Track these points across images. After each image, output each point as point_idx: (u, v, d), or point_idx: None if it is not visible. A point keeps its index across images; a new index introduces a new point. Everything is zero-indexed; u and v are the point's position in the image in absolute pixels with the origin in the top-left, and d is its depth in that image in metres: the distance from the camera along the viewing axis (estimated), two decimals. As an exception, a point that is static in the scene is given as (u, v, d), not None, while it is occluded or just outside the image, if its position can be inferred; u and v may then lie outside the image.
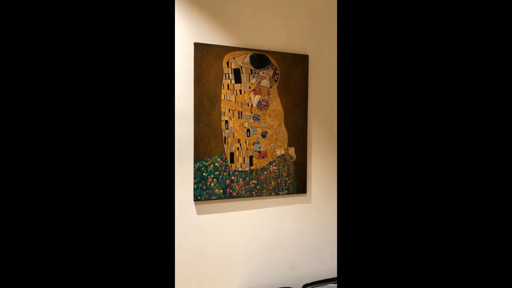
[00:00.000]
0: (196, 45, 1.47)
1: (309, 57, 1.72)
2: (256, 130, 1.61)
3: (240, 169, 1.58)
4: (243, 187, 1.59)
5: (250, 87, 1.58)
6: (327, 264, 1.85)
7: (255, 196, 1.62)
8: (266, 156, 1.64)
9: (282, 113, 1.66)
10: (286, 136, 1.68)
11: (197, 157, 1.49)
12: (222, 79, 1.53)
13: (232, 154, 1.56)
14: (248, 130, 1.59)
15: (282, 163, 1.68)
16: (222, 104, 1.53)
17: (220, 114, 1.53)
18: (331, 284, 1.70)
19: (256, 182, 1.62)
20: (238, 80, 1.56)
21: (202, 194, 1.51)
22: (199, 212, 1.53)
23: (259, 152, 1.62)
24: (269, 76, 1.62)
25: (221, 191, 1.54)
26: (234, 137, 1.56)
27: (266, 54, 1.61)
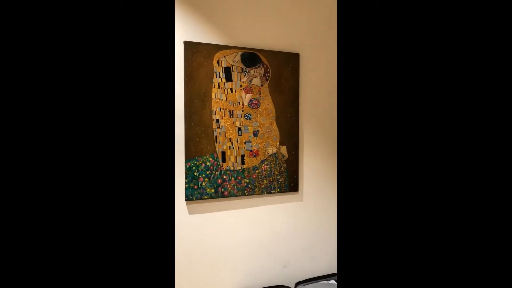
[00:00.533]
0: (186, 43, 1.46)
1: (300, 55, 1.72)
2: (248, 129, 1.60)
3: (231, 168, 1.57)
4: (235, 186, 1.58)
5: (241, 86, 1.58)
6: (319, 261, 1.85)
7: (247, 195, 1.62)
8: (258, 154, 1.63)
9: (274, 111, 1.66)
10: (277, 134, 1.67)
11: (188, 157, 1.48)
12: (213, 77, 1.52)
13: (223, 153, 1.56)
14: (239, 129, 1.59)
15: (274, 162, 1.68)
16: (213, 103, 1.52)
17: (211, 113, 1.52)
18: (324, 281, 1.71)
19: (248, 181, 1.61)
20: (229, 78, 1.55)
21: (193, 193, 1.50)
22: (190, 212, 1.52)
23: (250, 151, 1.62)
24: (260, 75, 1.62)
25: (213, 190, 1.54)
26: (225, 136, 1.56)
27: (257, 53, 1.60)
